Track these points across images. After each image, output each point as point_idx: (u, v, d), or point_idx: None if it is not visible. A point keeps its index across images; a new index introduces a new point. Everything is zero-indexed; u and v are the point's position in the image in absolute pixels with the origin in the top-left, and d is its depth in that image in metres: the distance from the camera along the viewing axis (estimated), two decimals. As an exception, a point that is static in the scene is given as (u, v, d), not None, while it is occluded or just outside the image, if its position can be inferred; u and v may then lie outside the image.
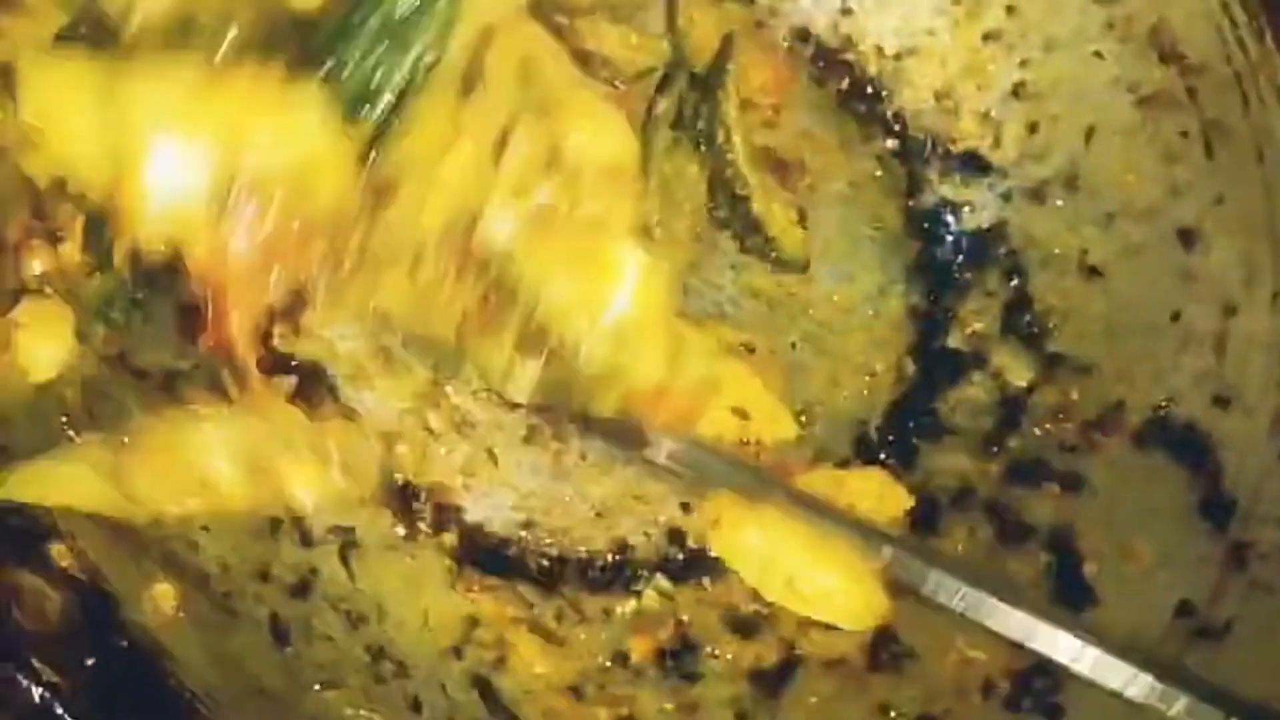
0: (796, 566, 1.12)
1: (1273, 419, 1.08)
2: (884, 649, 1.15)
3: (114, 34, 0.96)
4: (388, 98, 0.99)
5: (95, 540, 1.01)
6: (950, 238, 1.26)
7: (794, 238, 1.24)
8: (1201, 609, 1.05)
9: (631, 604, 1.21)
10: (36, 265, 1.09)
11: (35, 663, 0.89)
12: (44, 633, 0.93)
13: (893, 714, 1.13)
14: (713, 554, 1.18)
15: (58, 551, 0.98)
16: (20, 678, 0.88)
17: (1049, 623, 1.04)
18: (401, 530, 1.20)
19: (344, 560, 1.17)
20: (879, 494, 1.17)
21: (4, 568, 0.94)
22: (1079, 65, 1.22)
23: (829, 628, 1.14)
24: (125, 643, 0.98)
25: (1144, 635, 1.06)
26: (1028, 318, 1.22)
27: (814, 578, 1.12)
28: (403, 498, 1.20)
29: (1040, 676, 1.09)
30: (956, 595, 1.07)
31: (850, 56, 1.28)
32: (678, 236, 1.22)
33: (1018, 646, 1.08)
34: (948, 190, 1.26)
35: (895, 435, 1.23)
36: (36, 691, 0.88)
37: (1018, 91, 1.25)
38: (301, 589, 1.14)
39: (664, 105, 1.22)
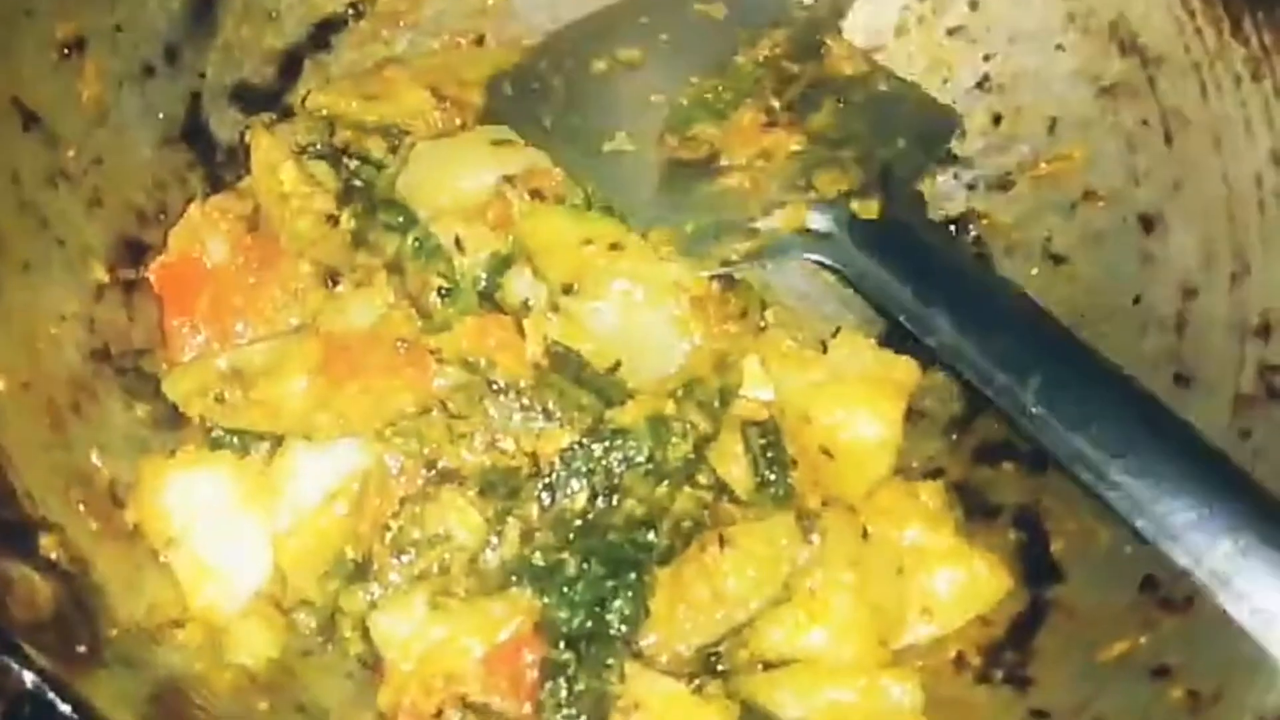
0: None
1: (1232, 398, 1.09)
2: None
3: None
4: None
5: (84, 532, 1.02)
6: (919, 227, 1.27)
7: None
8: (1165, 583, 1.05)
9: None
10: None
11: (28, 650, 0.89)
12: (35, 621, 0.93)
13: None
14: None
15: (47, 543, 0.98)
16: (13, 664, 0.88)
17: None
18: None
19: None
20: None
21: (-5, 559, 0.95)
22: (1041, 58, 1.24)
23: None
24: (114, 631, 0.99)
25: (1111, 608, 1.07)
26: (995, 303, 1.23)
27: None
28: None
29: (1010, 650, 1.10)
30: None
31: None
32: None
33: (987, 622, 1.10)
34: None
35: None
36: (29, 678, 0.88)
37: (982, 84, 1.27)
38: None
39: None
